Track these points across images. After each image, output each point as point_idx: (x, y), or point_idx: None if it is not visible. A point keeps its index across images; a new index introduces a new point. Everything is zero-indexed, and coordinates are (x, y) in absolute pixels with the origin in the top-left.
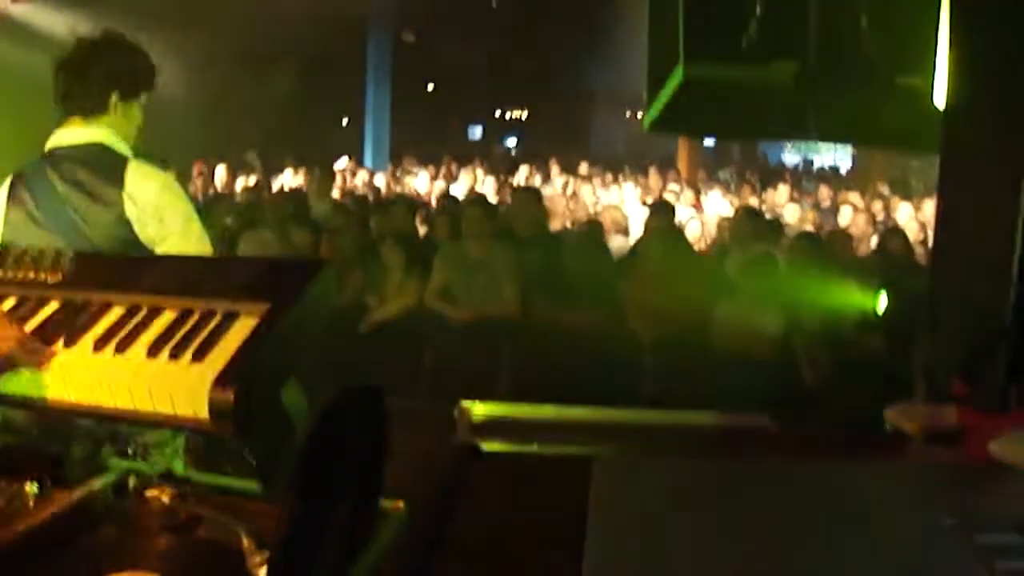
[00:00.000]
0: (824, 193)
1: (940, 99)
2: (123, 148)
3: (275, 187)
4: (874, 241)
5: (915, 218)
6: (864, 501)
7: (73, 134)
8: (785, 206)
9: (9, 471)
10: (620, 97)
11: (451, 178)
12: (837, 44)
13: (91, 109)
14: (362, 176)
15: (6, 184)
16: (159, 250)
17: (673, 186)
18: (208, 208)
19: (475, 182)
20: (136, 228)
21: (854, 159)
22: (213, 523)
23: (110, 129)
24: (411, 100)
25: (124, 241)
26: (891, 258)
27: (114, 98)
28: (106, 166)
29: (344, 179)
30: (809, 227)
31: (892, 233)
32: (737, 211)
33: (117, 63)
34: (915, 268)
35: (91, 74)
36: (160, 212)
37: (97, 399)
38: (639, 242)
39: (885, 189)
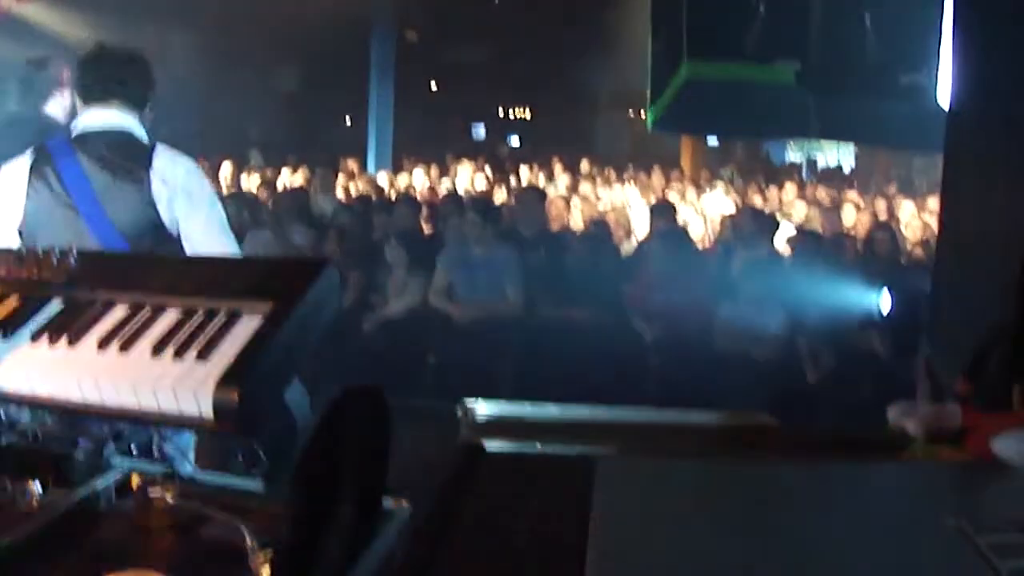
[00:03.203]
0: (827, 192)
1: (944, 97)
2: (147, 139)
3: (279, 186)
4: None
5: (918, 216)
6: (866, 500)
7: (105, 117)
8: (790, 205)
9: (12, 470)
10: (623, 97)
11: (454, 176)
12: (839, 43)
13: (134, 102)
14: (365, 175)
15: (25, 158)
16: (183, 227)
17: (676, 185)
18: None
19: (472, 180)
20: (161, 208)
21: (857, 158)
22: (216, 522)
23: (139, 123)
24: (414, 99)
25: (147, 221)
26: (878, 255)
27: (150, 100)
28: (134, 149)
29: (347, 177)
30: (812, 226)
31: (880, 228)
32: (740, 210)
33: (148, 71)
34: (901, 264)
35: (135, 72)
36: (189, 190)
37: (101, 397)
38: (643, 241)
39: (888, 188)
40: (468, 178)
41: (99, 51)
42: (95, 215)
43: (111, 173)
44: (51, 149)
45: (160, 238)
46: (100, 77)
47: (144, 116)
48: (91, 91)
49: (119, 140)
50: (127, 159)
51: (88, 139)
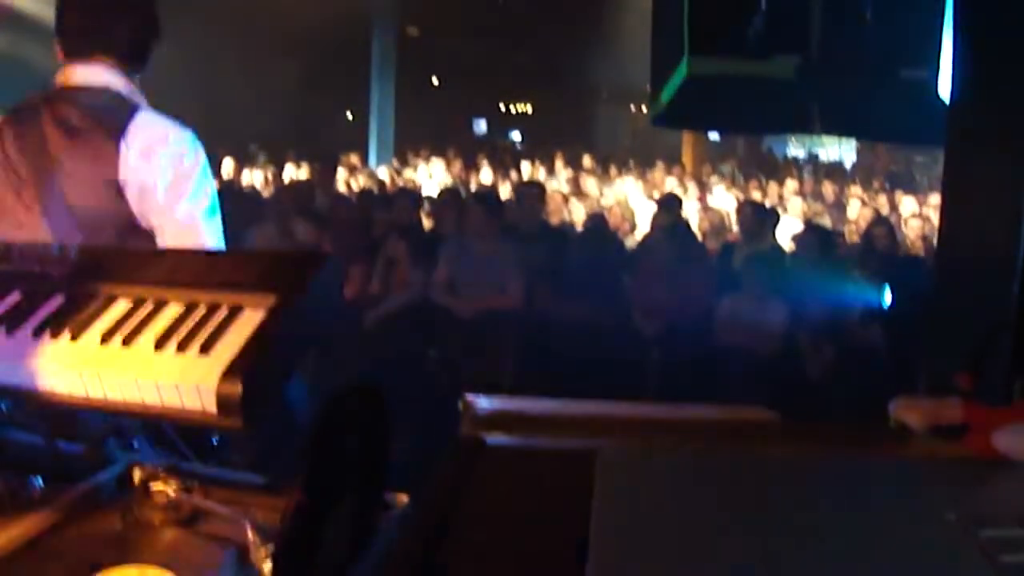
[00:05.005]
0: (829, 187)
1: (945, 92)
2: (137, 99)
3: (281, 180)
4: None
5: (919, 213)
6: (866, 495)
7: (86, 75)
8: (790, 200)
9: (12, 465)
10: (625, 92)
11: (460, 173)
12: (840, 37)
13: (124, 53)
14: (366, 169)
15: None
16: (157, 220)
17: (678, 180)
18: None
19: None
20: (131, 194)
21: (858, 153)
22: (218, 516)
23: (130, 80)
24: (415, 94)
25: (109, 209)
26: (875, 249)
27: (144, 51)
28: (111, 114)
29: (349, 172)
30: (815, 221)
31: (878, 223)
32: (741, 205)
33: (147, 12)
34: (901, 258)
35: (128, 15)
36: (173, 171)
37: (104, 392)
38: (645, 236)
39: (888, 183)
40: (469, 173)
41: None
42: (51, 195)
43: (73, 143)
44: (21, 109)
45: (125, 230)
46: (83, 24)
47: (132, 69)
48: (72, 42)
49: (99, 103)
50: (97, 128)
51: (62, 99)
